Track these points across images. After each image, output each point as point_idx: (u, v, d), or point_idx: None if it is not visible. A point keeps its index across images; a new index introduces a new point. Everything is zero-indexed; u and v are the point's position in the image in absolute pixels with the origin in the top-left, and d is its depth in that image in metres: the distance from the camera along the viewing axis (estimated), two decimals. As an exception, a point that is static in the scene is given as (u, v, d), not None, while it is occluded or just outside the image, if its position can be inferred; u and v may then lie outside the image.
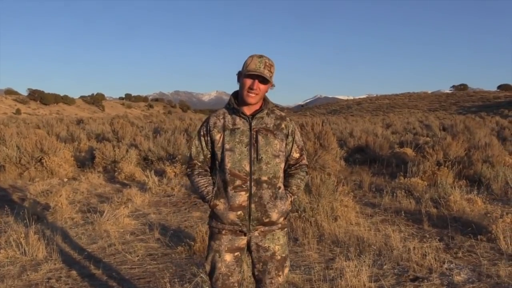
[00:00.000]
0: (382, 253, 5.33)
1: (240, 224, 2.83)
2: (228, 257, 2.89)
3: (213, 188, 2.91)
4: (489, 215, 6.65)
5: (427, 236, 6.02)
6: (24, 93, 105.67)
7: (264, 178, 2.80)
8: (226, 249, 2.88)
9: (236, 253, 2.90)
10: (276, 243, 2.90)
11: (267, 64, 2.77)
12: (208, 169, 3.01)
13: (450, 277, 4.59)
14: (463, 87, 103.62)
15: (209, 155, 2.97)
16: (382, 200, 8.04)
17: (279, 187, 2.87)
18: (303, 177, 2.99)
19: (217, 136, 2.87)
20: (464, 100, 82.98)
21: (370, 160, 12.96)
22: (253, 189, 2.79)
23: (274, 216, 2.83)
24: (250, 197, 2.79)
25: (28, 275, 4.77)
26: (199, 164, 2.98)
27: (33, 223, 6.56)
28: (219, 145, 2.86)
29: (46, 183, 9.56)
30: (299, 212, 6.50)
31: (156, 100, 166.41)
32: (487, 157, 11.00)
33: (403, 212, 7.13)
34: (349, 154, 14.24)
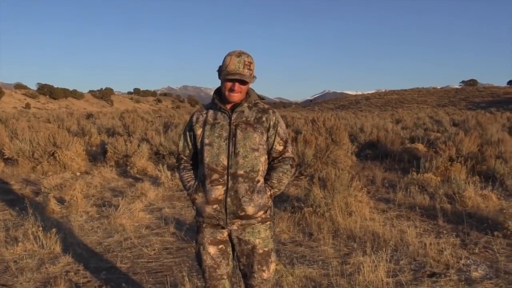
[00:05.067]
0: (398, 248, 5.33)
1: (217, 218, 2.86)
2: (212, 249, 2.92)
3: (194, 183, 2.97)
4: (504, 211, 6.61)
5: (443, 232, 6.00)
6: (34, 87, 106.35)
7: (240, 172, 2.79)
8: (209, 241, 2.92)
9: (220, 246, 2.93)
10: (257, 237, 2.89)
11: (246, 62, 2.77)
12: (194, 163, 3.07)
13: (468, 273, 4.58)
14: (472, 82, 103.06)
15: (193, 150, 3.03)
16: (395, 196, 8.02)
17: (258, 181, 2.85)
18: (286, 170, 2.95)
19: (199, 131, 2.92)
20: (473, 96, 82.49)
21: (381, 155, 12.93)
22: (230, 183, 2.80)
23: (250, 210, 2.82)
24: (226, 191, 2.81)
25: (46, 268, 4.81)
26: (185, 158, 3.07)
27: (49, 216, 6.63)
28: (200, 139, 2.90)
29: (59, 177, 9.60)
30: (314, 207, 6.50)
31: (165, 94, 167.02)
32: (500, 153, 10.94)
33: (417, 207, 7.13)
34: (360, 149, 14.20)
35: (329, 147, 10.81)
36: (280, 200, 7.47)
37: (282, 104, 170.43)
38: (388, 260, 4.78)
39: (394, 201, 7.72)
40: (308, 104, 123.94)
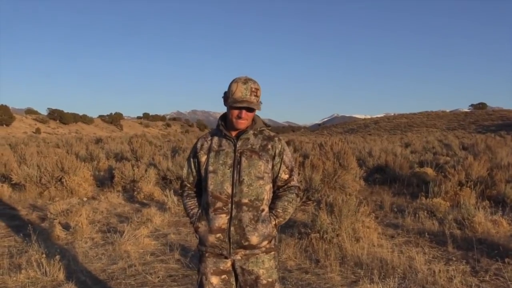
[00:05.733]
0: (407, 276, 5.22)
1: (220, 247, 2.79)
2: (215, 280, 2.85)
3: (198, 211, 2.91)
4: (516, 237, 6.50)
5: (453, 258, 5.89)
6: (44, 112, 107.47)
7: (245, 200, 2.74)
8: (212, 271, 2.84)
9: (223, 276, 2.86)
10: (260, 267, 2.81)
11: (253, 89, 2.74)
12: (197, 191, 3.02)
13: (478, 302, 4.47)
14: (482, 105, 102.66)
15: (197, 177, 2.98)
16: (404, 221, 7.92)
17: (263, 210, 2.80)
18: (291, 199, 2.89)
19: (203, 158, 2.88)
20: (483, 119, 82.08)
21: (390, 180, 12.81)
22: (234, 211, 2.75)
23: (254, 239, 2.76)
24: (230, 220, 2.75)
25: (49, 296, 4.76)
26: (189, 185, 3.02)
27: (54, 242, 6.58)
28: (204, 167, 2.86)
29: (66, 203, 9.56)
30: (321, 233, 6.41)
31: (174, 119, 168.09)
32: (510, 177, 10.82)
33: (426, 233, 7.01)
34: (369, 174, 14.09)
35: (336, 171, 10.75)
36: (286, 226, 7.39)
37: (291, 128, 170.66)
38: (396, 288, 4.68)
39: (402, 227, 7.61)
40: (317, 128, 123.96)
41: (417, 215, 8.08)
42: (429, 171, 13.27)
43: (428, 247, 6.50)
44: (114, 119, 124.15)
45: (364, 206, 7.11)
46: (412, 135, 55.97)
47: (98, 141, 33.91)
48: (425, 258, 5.87)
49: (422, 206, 8.76)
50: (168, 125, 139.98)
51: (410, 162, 15.70)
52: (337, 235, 6.35)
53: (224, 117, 2.90)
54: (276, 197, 2.91)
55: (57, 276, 5.23)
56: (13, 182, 11.30)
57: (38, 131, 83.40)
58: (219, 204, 2.76)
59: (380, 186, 12.38)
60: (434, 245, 6.62)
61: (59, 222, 7.46)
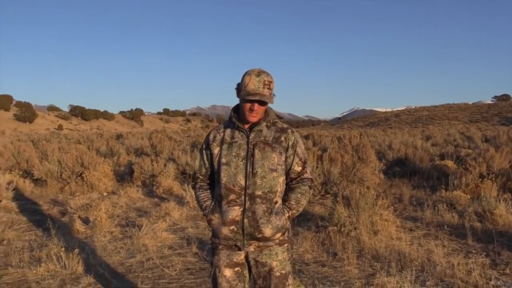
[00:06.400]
0: (425, 268, 5.17)
1: (234, 239, 2.78)
2: (228, 272, 2.84)
3: (211, 203, 2.90)
4: (537, 229, 6.39)
5: (472, 251, 5.81)
6: (66, 109, 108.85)
7: (258, 192, 2.73)
8: (225, 264, 2.84)
9: (236, 268, 2.85)
10: (274, 259, 2.81)
11: (266, 82, 2.71)
12: (210, 183, 3.01)
13: (498, 295, 4.41)
14: (505, 97, 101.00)
15: (210, 169, 2.97)
16: (423, 214, 7.84)
17: (276, 202, 2.78)
18: (304, 191, 2.87)
19: (216, 150, 2.86)
20: (506, 111, 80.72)
21: (410, 172, 12.69)
22: (247, 204, 2.73)
23: (268, 232, 2.74)
24: (243, 212, 2.73)
25: (68, 289, 4.81)
26: (201, 177, 3.01)
27: (74, 236, 6.65)
28: (217, 159, 2.85)
29: (86, 197, 9.66)
30: (338, 226, 6.38)
31: (194, 114, 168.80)
32: (532, 169, 10.61)
33: (445, 226, 6.94)
34: (388, 167, 13.97)
35: (355, 164, 10.67)
36: (304, 219, 7.38)
37: (311, 122, 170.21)
38: (414, 281, 4.64)
39: (422, 220, 7.54)
40: (337, 122, 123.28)
41: (436, 208, 7.98)
42: (450, 163, 13.10)
43: (448, 240, 6.43)
44: (135, 115, 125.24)
45: (383, 199, 7.06)
46: (433, 127, 55.37)
47: (119, 137, 34.20)
48: (444, 251, 5.81)
49: (442, 199, 8.65)
50: (188, 121, 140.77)
51: (431, 155, 15.53)
52: (355, 228, 6.31)
53: (237, 109, 2.88)
54: (289, 189, 2.89)
55: (76, 269, 5.29)
56: (35, 177, 11.47)
57: (60, 127, 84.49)
58: (232, 196, 2.75)
59: (399, 179, 12.28)
60: (453, 238, 6.54)
61: (79, 217, 7.55)
